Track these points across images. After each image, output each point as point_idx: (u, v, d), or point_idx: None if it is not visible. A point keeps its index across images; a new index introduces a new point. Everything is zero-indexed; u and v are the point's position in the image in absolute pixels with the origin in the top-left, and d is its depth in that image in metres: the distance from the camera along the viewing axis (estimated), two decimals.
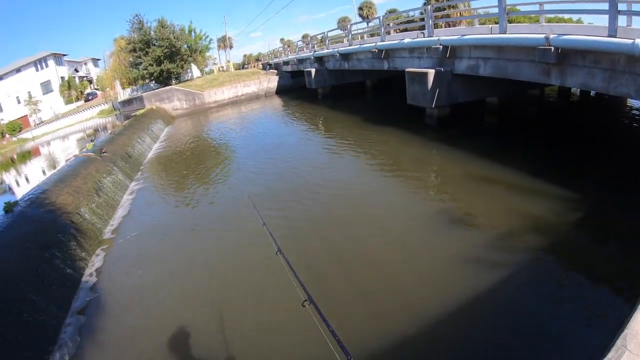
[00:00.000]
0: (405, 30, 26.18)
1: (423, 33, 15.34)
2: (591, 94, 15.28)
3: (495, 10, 11.64)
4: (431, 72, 13.45)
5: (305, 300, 3.09)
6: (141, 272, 8.40)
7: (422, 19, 16.45)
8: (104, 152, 15.73)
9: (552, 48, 8.96)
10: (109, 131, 23.52)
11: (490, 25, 15.34)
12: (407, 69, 15.15)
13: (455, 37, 12.83)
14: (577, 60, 8.81)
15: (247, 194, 10.07)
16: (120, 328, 6.72)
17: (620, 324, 3.81)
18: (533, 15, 18.30)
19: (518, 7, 12.92)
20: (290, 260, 3.86)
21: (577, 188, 8.14)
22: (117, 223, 11.35)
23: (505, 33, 10.90)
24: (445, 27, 19.66)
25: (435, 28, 14.91)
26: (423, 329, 5.21)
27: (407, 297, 5.94)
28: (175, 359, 5.75)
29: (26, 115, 58.19)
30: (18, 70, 59.95)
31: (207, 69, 50.76)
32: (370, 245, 7.54)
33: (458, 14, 20.08)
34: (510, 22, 11.36)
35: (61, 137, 44.96)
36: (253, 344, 5.69)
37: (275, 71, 38.13)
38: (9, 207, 9.48)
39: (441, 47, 13.19)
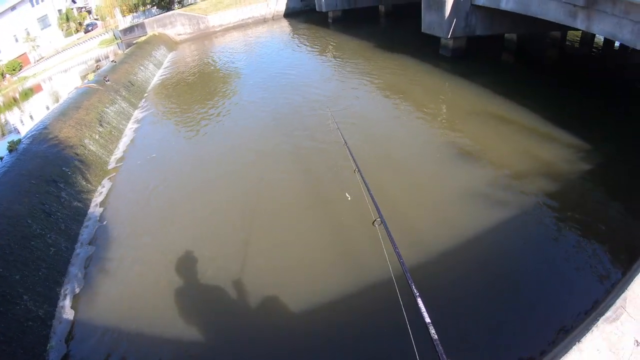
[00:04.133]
0: None
1: None
2: (615, 45, 13.76)
3: None
4: (449, 1, 12.63)
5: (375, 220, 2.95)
6: (147, 200, 8.53)
7: None
8: (107, 80, 15.52)
9: None
10: (111, 60, 22.59)
11: None
12: None
13: None
14: (606, 7, 8.05)
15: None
16: (128, 256, 6.87)
17: (618, 284, 3.93)
18: None
19: None
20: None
21: (590, 139, 7.71)
22: (121, 152, 11.44)
23: None
24: None
25: None
26: (425, 256, 5.40)
27: (409, 223, 6.06)
28: (184, 283, 5.88)
29: (25, 53, 56.43)
30: (13, 8, 57.34)
31: None
32: (374, 170, 7.48)
33: None
34: None
35: (63, 71, 43.97)
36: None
37: None
38: (13, 146, 9.50)
39: None
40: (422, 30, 14.28)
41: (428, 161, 7.74)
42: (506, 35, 14.07)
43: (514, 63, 13.72)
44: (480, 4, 12.04)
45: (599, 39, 14.03)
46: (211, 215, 7.27)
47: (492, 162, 7.31)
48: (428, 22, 13.99)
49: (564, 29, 13.21)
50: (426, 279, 4.90)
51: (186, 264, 6.15)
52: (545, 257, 5.22)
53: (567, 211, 5.94)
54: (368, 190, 3.34)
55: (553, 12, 9.55)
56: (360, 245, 5.77)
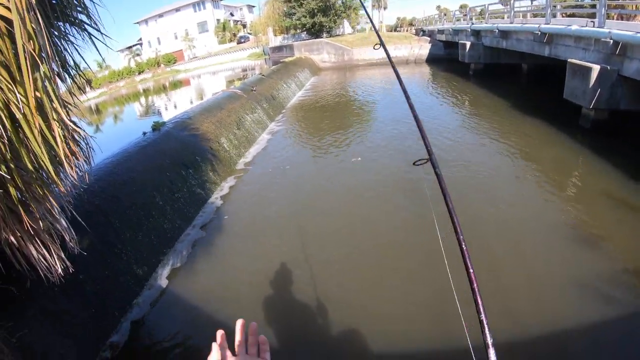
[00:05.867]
0: (573, 15, 22.54)
1: (592, 22, 12.97)
2: None
3: None
4: (596, 68, 11.31)
5: None
6: (264, 204, 8.70)
7: (593, 6, 13.92)
8: (254, 90, 16.33)
9: None
10: (258, 72, 23.90)
11: None
12: (569, 60, 12.94)
13: (630, 32, 10.48)
14: None
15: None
16: (234, 250, 7.11)
17: None
18: None
19: None
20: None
21: None
22: (251, 157, 12.02)
23: None
24: (618, 19, 16.52)
25: (606, 19, 12.46)
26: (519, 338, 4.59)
27: (511, 304, 5.26)
28: (274, 287, 5.87)
29: (181, 50, 63.64)
30: (177, 9, 65.63)
31: (358, 27, 49.70)
32: (483, 234, 6.85)
33: (634, 6, 16.46)
34: None
35: (211, 72, 47.77)
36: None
37: (428, 38, 35.40)
38: (157, 126, 10.13)
39: (611, 41, 10.92)
40: (564, 96, 13.06)
41: (540, 235, 6.85)
42: None
43: None
44: (629, 74, 10.61)
45: None
46: (316, 235, 7.23)
47: (612, 252, 6.18)
48: (571, 89, 12.64)
49: None
50: None
51: (282, 273, 6.15)
52: None
53: None
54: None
55: None
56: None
